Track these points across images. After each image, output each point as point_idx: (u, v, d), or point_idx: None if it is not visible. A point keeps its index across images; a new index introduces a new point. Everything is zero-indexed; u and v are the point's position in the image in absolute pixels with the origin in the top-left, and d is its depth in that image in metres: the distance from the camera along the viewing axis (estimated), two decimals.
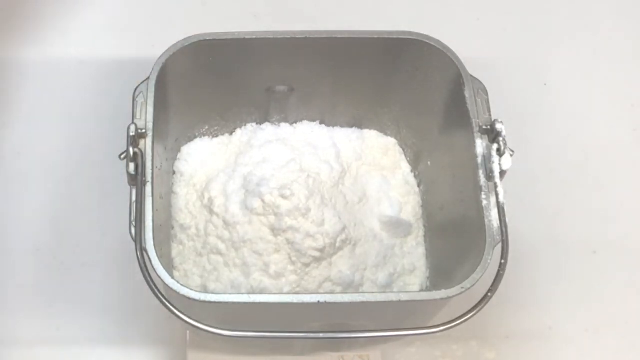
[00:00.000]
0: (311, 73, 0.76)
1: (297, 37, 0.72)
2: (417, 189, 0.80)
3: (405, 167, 0.81)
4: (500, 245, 0.64)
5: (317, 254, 0.71)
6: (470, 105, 0.69)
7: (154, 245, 0.62)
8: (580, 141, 0.88)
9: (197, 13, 0.94)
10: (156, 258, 0.62)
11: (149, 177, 0.65)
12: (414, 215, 0.78)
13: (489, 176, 0.66)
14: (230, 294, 0.70)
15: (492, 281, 0.62)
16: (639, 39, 0.95)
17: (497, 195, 0.65)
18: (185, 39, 0.71)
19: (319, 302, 0.61)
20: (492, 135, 0.67)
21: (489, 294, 0.61)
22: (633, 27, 0.95)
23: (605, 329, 0.79)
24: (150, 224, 0.63)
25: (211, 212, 0.74)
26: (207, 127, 0.81)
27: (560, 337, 0.79)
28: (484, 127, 0.68)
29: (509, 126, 0.67)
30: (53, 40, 0.92)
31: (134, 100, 0.68)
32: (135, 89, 0.68)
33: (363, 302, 0.62)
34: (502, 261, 0.63)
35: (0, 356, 0.76)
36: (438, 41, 0.72)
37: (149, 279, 0.60)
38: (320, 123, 0.81)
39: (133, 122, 0.66)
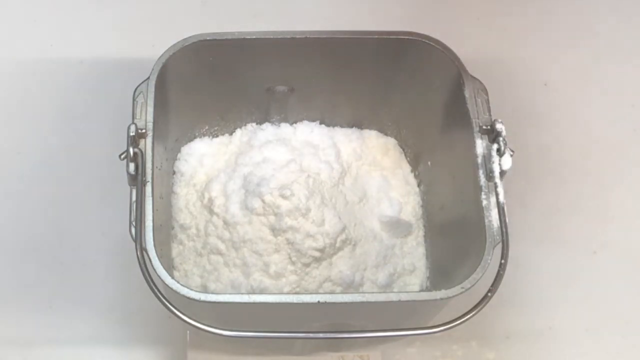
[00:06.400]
0: (311, 73, 0.76)
1: (297, 37, 0.72)
2: (417, 189, 0.80)
3: (405, 167, 0.81)
4: (500, 245, 0.64)
5: (317, 254, 0.71)
6: (470, 105, 0.69)
7: (154, 245, 0.62)
8: (580, 141, 0.88)
9: (197, 13, 0.94)
10: (156, 258, 0.62)
11: (149, 177, 0.65)
12: (414, 215, 0.78)
13: (489, 176, 0.66)
14: (230, 294, 0.70)
15: (492, 281, 0.62)
16: (639, 39, 0.95)
17: (497, 195, 0.65)
18: (185, 39, 0.71)
19: (319, 302, 0.61)
20: (492, 135, 0.67)
21: (489, 294, 0.61)
22: (633, 27, 0.95)
23: (605, 329, 0.79)
24: (150, 224, 0.63)
25: (211, 212, 0.74)
26: (207, 127, 0.81)
27: (560, 337, 0.79)
28: (484, 127, 0.68)
29: (509, 126, 0.67)
30: (53, 40, 0.92)
31: (134, 100, 0.68)
32: (135, 89, 0.68)
33: (363, 302, 0.62)
34: (502, 261, 0.63)
35: (0, 356, 0.76)
36: (438, 41, 0.72)
37: (149, 279, 0.60)
38: (320, 123, 0.81)
39: (133, 122, 0.66)
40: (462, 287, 0.62)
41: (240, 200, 0.73)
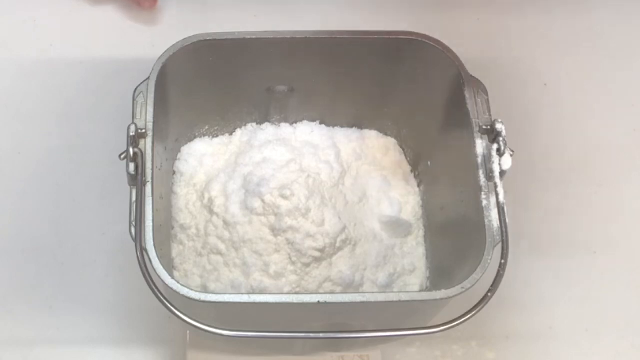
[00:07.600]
0: (311, 73, 0.76)
1: (297, 37, 0.72)
2: (417, 189, 0.80)
3: (405, 167, 0.81)
4: (500, 245, 0.64)
5: (317, 254, 0.71)
6: (470, 105, 0.69)
7: (154, 245, 0.62)
8: (580, 141, 0.88)
9: (197, 13, 0.94)
10: (156, 258, 0.62)
11: (149, 177, 0.65)
12: (414, 215, 0.78)
13: (489, 176, 0.66)
14: (230, 294, 0.70)
15: (492, 281, 0.62)
16: (639, 39, 0.95)
17: (497, 195, 0.65)
18: (185, 39, 0.71)
19: (319, 302, 0.61)
20: (492, 135, 0.67)
21: (489, 294, 0.61)
22: (633, 28, 0.95)
23: (605, 329, 0.79)
24: (150, 224, 0.63)
25: (211, 212, 0.74)
26: (207, 127, 0.81)
27: (560, 337, 0.79)
28: (484, 127, 0.68)
29: (509, 126, 0.67)
30: (53, 40, 0.92)
31: (134, 100, 0.68)
32: (135, 89, 0.68)
33: (363, 302, 0.62)
34: (502, 261, 0.63)
35: (0, 356, 0.76)
36: (438, 41, 0.72)
37: (149, 279, 0.60)
38: (320, 123, 0.81)
39: (133, 122, 0.66)
40: (462, 287, 0.62)
41: (240, 200, 0.73)
